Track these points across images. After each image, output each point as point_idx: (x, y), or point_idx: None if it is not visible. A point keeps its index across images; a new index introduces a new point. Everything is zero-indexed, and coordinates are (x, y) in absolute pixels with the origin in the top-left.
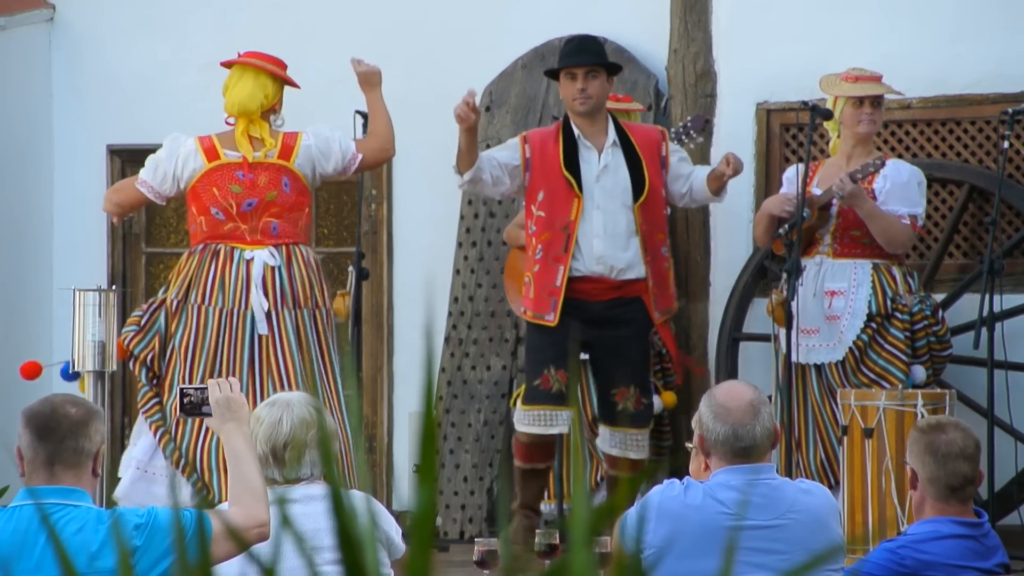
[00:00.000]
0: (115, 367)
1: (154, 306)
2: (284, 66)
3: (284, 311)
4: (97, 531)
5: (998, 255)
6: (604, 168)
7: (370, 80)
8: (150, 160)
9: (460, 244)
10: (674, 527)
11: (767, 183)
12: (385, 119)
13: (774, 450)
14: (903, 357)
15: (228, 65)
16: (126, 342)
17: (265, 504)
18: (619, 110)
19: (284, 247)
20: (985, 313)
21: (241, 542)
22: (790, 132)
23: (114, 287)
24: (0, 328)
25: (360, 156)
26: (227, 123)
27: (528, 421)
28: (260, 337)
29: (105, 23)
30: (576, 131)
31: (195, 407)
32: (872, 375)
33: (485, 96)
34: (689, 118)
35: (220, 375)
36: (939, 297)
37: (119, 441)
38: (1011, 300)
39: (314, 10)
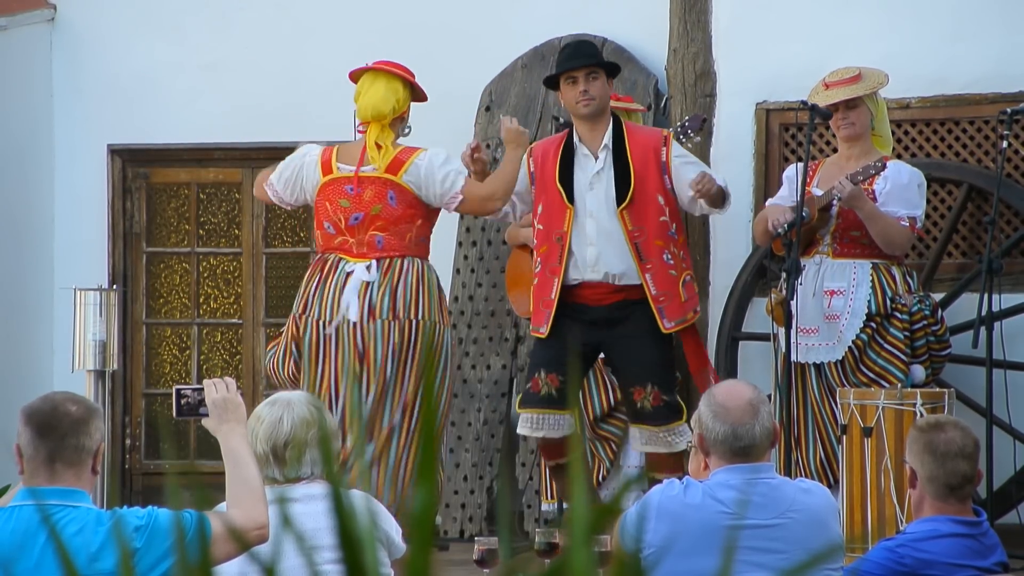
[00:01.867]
0: (115, 366)
1: (285, 326)
2: (413, 75)
3: (374, 324)
4: (97, 532)
5: (997, 254)
6: (596, 174)
7: (518, 140)
8: (280, 164)
9: (460, 244)
10: (674, 526)
11: (767, 183)
12: (509, 176)
13: (773, 449)
14: (902, 357)
15: (356, 76)
16: (271, 367)
17: (264, 506)
18: (620, 109)
19: (387, 259)
20: (984, 312)
21: (242, 543)
22: (789, 132)
23: (115, 286)
24: (0, 328)
25: (461, 197)
26: (359, 131)
27: (520, 424)
28: (357, 350)
29: (105, 23)
30: (576, 138)
31: (192, 408)
32: (871, 374)
33: (485, 96)
34: (687, 117)
35: (322, 387)
36: (938, 296)
37: (119, 440)
38: (1010, 299)
39: (314, 10)
